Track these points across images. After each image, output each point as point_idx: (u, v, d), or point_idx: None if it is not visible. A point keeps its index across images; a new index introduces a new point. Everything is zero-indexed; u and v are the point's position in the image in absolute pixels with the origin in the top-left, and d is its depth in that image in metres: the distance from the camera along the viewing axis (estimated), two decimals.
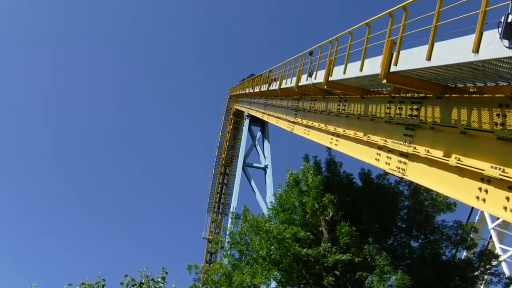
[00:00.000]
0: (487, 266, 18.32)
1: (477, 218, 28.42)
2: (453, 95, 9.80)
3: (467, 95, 9.52)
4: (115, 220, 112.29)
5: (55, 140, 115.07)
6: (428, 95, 10.48)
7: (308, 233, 18.68)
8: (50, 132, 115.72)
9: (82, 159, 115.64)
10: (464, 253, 21.06)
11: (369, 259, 16.75)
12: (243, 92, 40.94)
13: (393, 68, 10.04)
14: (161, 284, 13.48)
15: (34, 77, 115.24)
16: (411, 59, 9.58)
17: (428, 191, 19.45)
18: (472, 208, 24.84)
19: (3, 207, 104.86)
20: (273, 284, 19.77)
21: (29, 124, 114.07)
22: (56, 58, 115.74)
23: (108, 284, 13.30)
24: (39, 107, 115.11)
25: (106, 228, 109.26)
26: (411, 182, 19.88)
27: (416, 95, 11.06)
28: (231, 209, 35.78)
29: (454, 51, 8.00)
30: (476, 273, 18.18)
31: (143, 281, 13.46)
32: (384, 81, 10.21)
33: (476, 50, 7.17)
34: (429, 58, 8.60)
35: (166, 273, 13.83)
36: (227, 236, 22.14)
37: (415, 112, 10.87)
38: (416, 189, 19.81)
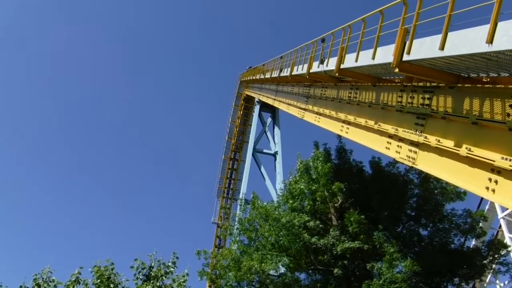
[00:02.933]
0: (496, 256, 18.31)
1: (487, 207, 28.25)
2: (466, 85, 9.77)
3: (480, 85, 9.48)
4: (125, 205, 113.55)
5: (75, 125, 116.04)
6: (440, 85, 10.45)
7: (317, 222, 18.78)
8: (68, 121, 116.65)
9: (93, 145, 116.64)
10: (473, 242, 21.08)
11: (378, 246, 16.84)
12: (254, 78, 40.85)
13: (405, 57, 10.02)
14: (171, 269, 13.62)
15: (47, 71, 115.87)
16: (424, 48, 9.54)
17: (438, 179, 19.40)
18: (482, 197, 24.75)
19: (15, 191, 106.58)
20: (282, 269, 19.99)
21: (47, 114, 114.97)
22: (65, 52, 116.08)
23: (118, 268, 13.51)
24: (59, 98, 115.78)
25: (116, 213, 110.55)
26: (421, 171, 19.88)
27: (428, 84, 11.01)
28: (241, 195, 36.07)
29: (468, 41, 7.96)
30: (485, 262, 18.19)
31: (152, 264, 13.61)
32: (397, 70, 10.20)
33: (490, 40, 7.13)
34: (442, 47, 8.56)
35: (177, 258, 13.87)
36: (236, 223, 22.36)
37: (426, 101, 10.84)
38: (425, 178, 19.79)
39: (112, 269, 13.17)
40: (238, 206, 24.75)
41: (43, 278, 12.92)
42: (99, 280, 12.79)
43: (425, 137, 10.57)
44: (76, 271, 13.02)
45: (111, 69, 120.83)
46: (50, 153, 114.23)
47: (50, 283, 12.93)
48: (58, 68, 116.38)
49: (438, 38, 8.77)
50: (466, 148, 9.00)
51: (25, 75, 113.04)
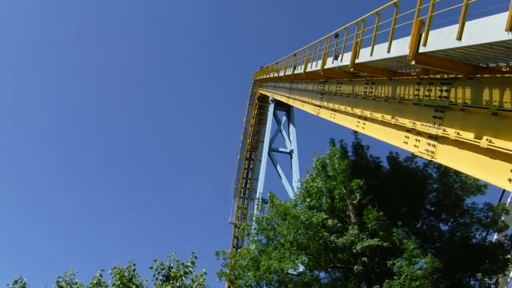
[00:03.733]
0: None
1: (508, 200, 27.63)
2: (485, 75, 9.56)
3: (499, 75, 9.27)
4: (143, 206, 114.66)
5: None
6: (458, 76, 10.25)
7: (336, 220, 18.66)
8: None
9: (110, 146, 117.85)
10: (495, 236, 20.67)
11: (397, 243, 16.64)
12: (268, 76, 40.80)
13: (422, 49, 9.83)
14: (190, 269, 13.60)
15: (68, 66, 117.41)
16: (441, 39, 9.37)
17: (458, 173, 19.16)
18: (504, 190, 24.30)
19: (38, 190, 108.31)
20: (301, 268, 19.89)
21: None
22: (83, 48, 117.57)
23: (137, 270, 13.52)
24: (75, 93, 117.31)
25: (135, 214, 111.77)
26: (440, 165, 19.59)
27: (445, 76, 10.83)
28: (257, 195, 36.03)
29: (485, 30, 7.78)
30: (508, 256, 17.87)
31: (171, 265, 13.61)
32: (413, 62, 10.02)
33: (510, 28, 6.95)
34: (459, 38, 8.39)
35: (196, 257, 13.90)
36: (253, 222, 22.31)
37: (444, 94, 10.66)
38: (445, 172, 19.55)
39: (134, 270, 13.21)
40: (255, 206, 24.70)
41: (65, 281, 13.01)
42: (119, 282, 12.84)
43: (444, 130, 10.39)
44: (98, 274, 13.10)
45: (124, 68, 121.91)
46: (69, 154, 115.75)
47: (73, 286, 13.01)
48: (70, 63, 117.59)
49: (455, 28, 8.59)
50: (487, 139, 8.81)
51: (28, 70, 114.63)
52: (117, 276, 12.98)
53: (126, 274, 13.07)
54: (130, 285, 12.92)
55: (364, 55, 13.85)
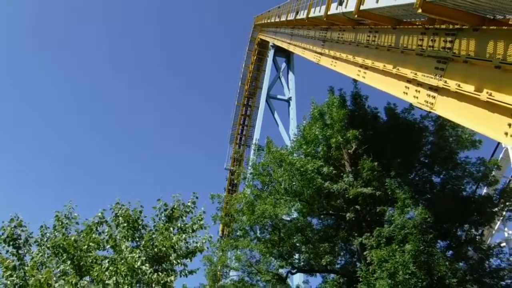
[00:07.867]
0: (507, 203, 18.30)
1: (501, 156, 27.97)
2: (491, 27, 9.41)
3: (505, 27, 9.12)
4: (142, 152, 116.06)
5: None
6: (464, 27, 10.07)
7: (331, 168, 18.81)
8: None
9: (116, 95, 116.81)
10: (485, 190, 21.04)
11: (390, 192, 16.92)
12: (269, 21, 39.90)
13: None
14: (191, 208, 13.31)
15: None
16: None
17: (454, 127, 19.24)
18: (497, 146, 24.54)
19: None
20: (294, 214, 20.27)
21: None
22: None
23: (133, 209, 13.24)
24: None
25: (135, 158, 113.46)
26: (437, 118, 19.63)
27: (451, 26, 10.64)
28: (254, 141, 36.20)
29: None
30: (496, 209, 18.25)
31: (175, 205, 13.30)
32: (420, 10, 9.76)
33: None
34: None
35: (197, 197, 13.50)
36: (249, 167, 22.46)
37: (448, 45, 10.51)
38: (441, 125, 19.60)
39: (141, 212, 12.95)
40: (252, 151, 24.81)
41: (65, 215, 12.78)
42: (124, 220, 12.53)
43: (445, 82, 10.34)
44: (100, 213, 12.68)
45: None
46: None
47: (72, 220, 12.77)
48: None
49: None
50: (487, 92, 8.81)
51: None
52: (120, 211, 12.61)
53: (132, 215, 12.71)
54: (136, 225, 12.77)
55: (370, 2, 13.46)
